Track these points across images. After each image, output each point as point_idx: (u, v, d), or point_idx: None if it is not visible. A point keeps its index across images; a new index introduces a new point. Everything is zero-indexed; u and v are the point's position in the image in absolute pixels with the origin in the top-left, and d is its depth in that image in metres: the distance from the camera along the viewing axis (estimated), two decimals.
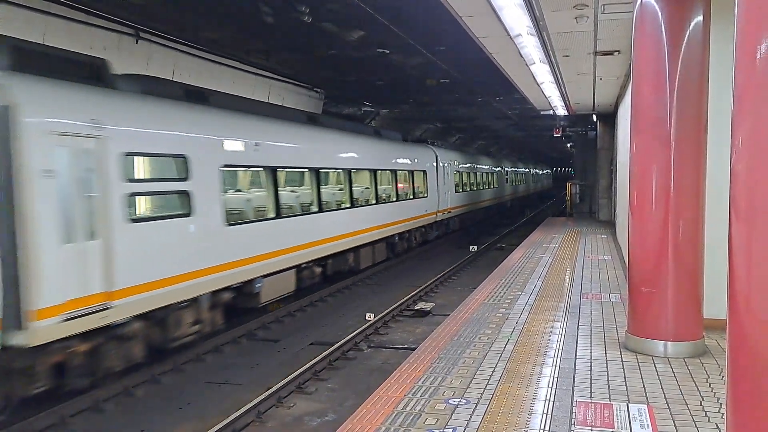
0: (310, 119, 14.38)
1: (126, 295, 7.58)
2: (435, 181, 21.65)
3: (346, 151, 15.11)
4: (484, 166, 31.34)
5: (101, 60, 8.74)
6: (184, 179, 8.89)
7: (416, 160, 20.22)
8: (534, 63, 11.14)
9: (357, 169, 15.72)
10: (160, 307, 8.28)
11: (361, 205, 15.63)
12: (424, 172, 20.83)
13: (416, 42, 13.78)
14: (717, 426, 4.53)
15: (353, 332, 10.51)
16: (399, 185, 18.40)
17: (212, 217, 9.42)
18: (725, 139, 2.19)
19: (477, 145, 45.70)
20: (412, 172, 19.64)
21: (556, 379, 5.56)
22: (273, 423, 7.24)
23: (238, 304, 10.42)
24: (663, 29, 5.99)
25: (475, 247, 21.23)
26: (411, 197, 19.44)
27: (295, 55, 15.49)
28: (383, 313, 11.86)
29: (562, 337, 7.00)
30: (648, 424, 4.56)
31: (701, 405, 4.95)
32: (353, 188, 15.19)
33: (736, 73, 2.03)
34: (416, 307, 12.73)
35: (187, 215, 8.85)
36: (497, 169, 35.45)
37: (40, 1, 9.86)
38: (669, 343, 6.21)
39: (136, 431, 7.15)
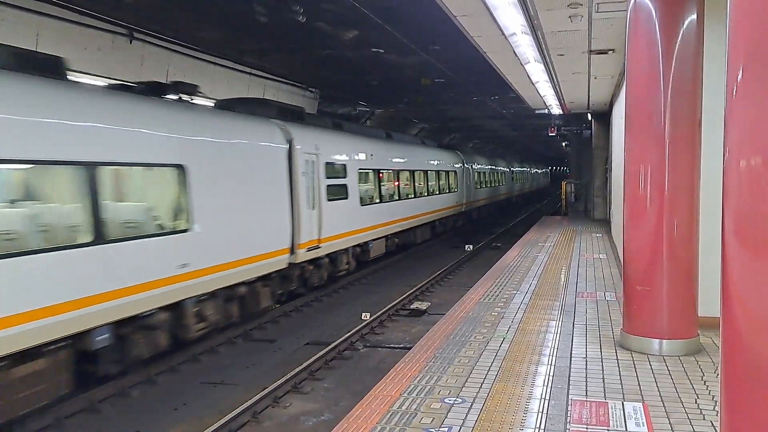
0: (387, 135, 20.91)
1: (325, 241, 13.17)
2: (461, 179, 26.86)
3: (410, 157, 20.56)
4: (495, 167, 36.74)
5: (301, 108, 14.82)
6: (344, 177, 14.74)
7: (450, 163, 25.49)
8: (528, 62, 11.15)
9: (417, 170, 21.10)
10: (336, 251, 14.04)
11: (420, 197, 20.88)
12: (455, 172, 25.99)
13: (411, 41, 13.79)
14: (712, 424, 4.54)
15: (349, 332, 10.50)
16: (440, 182, 23.64)
17: (354, 201, 15.16)
18: (719, 138, 2.19)
19: (473, 144, 45.82)
20: (447, 172, 24.81)
21: (551, 378, 5.56)
22: (269, 423, 7.23)
23: (359, 258, 15.96)
24: (657, 28, 6.00)
25: (471, 246, 21.25)
26: (447, 191, 24.62)
27: (290, 54, 15.48)
28: (379, 313, 11.86)
29: (558, 335, 7.01)
30: (643, 422, 4.57)
31: (696, 403, 4.97)
32: (415, 184, 20.66)
33: (729, 71, 2.03)
34: (412, 307, 12.74)
35: (345, 198, 14.56)
36: (506, 169, 40.70)
37: (33, 2, 9.84)
38: (664, 341, 6.23)
39: None
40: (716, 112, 2.21)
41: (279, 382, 8.02)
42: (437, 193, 22.96)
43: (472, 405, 4.95)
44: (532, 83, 13.91)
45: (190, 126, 9.26)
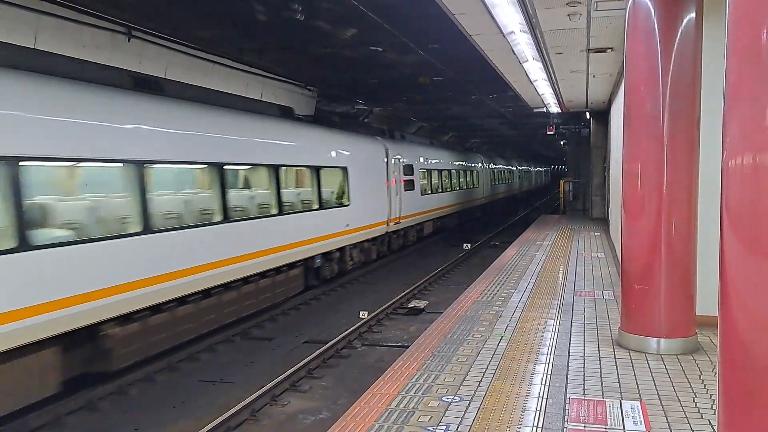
0: (430, 143, 26.70)
1: (403, 219, 18.64)
2: (482, 176, 32.75)
3: (447, 158, 25.91)
4: (506, 167, 42.96)
5: (388, 128, 21.54)
6: (412, 175, 20.13)
7: (473, 163, 31.25)
8: (527, 60, 11.15)
9: (453, 169, 26.38)
10: (406, 227, 19.46)
11: (454, 190, 26.19)
12: (478, 171, 31.88)
13: (409, 40, 13.77)
14: (710, 422, 4.54)
15: (347, 330, 10.50)
16: (468, 179, 28.99)
17: (417, 192, 20.62)
18: (718, 137, 2.19)
19: (471, 143, 45.89)
20: (473, 171, 30.69)
21: (549, 376, 5.57)
22: (267, 421, 7.23)
23: (418, 234, 21.56)
24: (655, 26, 6.00)
25: (469, 245, 21.26)
26: (473, 187, 30.19)
27: (288, 53, 15.46)
28: (377, 311, 11.87)
29: (556, 334, 7.01)
30: (641, 421, 4.58)
31: (694, 402, 4.97)
32: (452, 180, 26.07)
33: (728, 70, 2.03)
34: (410, 305, 12.75)
35: (412, 190, 20.07)
36: (513, 168, 46.55)
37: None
38: (662, 340, 6.23)
39: (130, 430, 7.13)
40: (715, 110, 2.21)
41: (277, 381, 8.02)
42: (467, 188, 28.82)
43: (470, 403, 4.95)
44: (531, 82, 13.90)
45: (346, 143, 15.54)
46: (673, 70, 5.96)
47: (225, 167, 9.99)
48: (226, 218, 9.84)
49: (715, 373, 2.38)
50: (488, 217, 34.10)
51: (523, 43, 9.67)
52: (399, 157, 18.97)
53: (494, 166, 37.53)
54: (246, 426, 7.08)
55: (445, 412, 4.78)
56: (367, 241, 16.32)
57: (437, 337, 6.98)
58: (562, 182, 29.04)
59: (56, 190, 7.72)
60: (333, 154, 14.40)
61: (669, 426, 4.51)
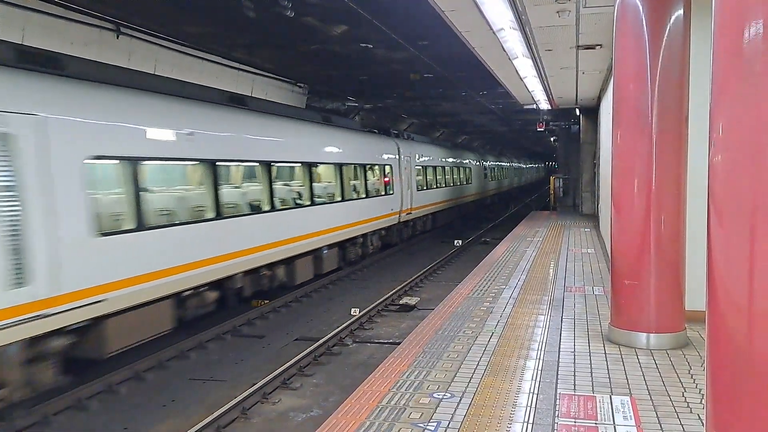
0: (431, 141, 28.52)
1: (415, 210, 21.16)
2: (476, 173, 35.02)
3: (446, 156, 27.68)
4: (506, 164, 48.55)
5: (405, 131, 24.90)
6: (421, 170, 23.08)
7: (469, 160, 33.30)
8: (517, 57, 11.16)
9: (451, 167, 28.42)
10: (416, 218, 21.78)
11: (453, 186, 28.24)
12: (471, 168, 33.94)
13: (399, 36, 13.76)
14: (699, 417, 4.57)
15: (338, 327, 10.50)
16: (463, 175, 30.97)
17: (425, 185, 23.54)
18: (705, 133, 2.20)
19: (461, 140, 46.03)
20: (470, 168, 33.22)
21: (539, 372, 5.59)
22: (258, 419, 7.22)
23: (426, 225, 23.78)
24: (644, 23, 6.02)
25: (460, 242, 21.29)
26: (467, 183, 31.80)
27: (278, 50, 15.41)
28: (368, 308, 11.86)
29: (546, 330, 7.04)
30: (631, 416, 4.60)
31: (683, 396, 5.00)
32: (453, 176, 28.43)
33: (714, 67, 2.04)
34: (401, 302, 12.75)
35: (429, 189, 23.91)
36: (509, 164, 51.03)
37: None
38: (651, 335, 6.26)
39: (119, 429, 7.10)
40: (702, 107, 2.23)
41: (268, 378, 8.01)
42: (462, 184, 30.52)
43: (460, 400, 4.96)
44: (521, 78, 13.92)
45: (385, 145, 19.30)
46: (661, 66, 5.99)
47: (314, 167, 14.11)
48: (313, 203, 13.49)
49: (704, 368, 2.39)
50: (481, 213, 35.02)
51: (512, 40, 9.68)
52: (409, 156, 21.27)
53: (493, 164, 41.69)
54: (236, 424, 7.07)
55: (436, 408, 4.79)
56: (383, 229, 18.56)
57: (428, 333, 6.98)
58: (552, 178, 29.12)
59: (165, 182, 10.24)
60: (381, 155, 18.67)
61: (659, 420, 4.53)
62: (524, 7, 7.89)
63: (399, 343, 6.92)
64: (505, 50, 10.43)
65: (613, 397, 4.99)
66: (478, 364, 5.83)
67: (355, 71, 18.48)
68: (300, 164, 13.47)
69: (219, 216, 9.86)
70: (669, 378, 5.43)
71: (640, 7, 6.02)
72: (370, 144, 18.08)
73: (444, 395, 5.06)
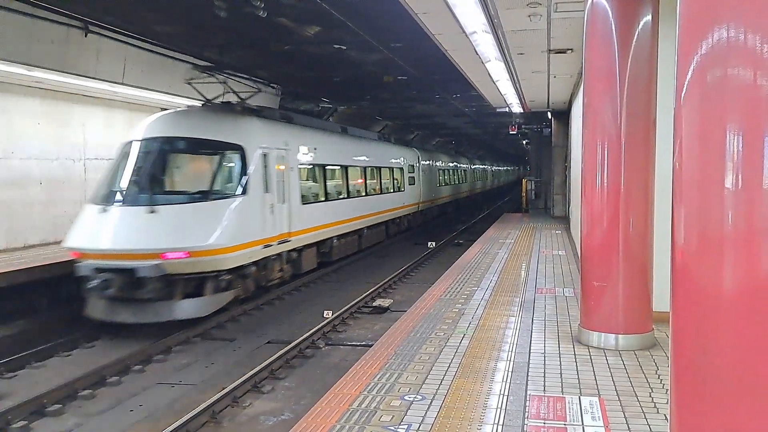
0: (433, 147, 37.98)
1: (422, 204, 27.11)
2: (470, 174, 43.15)
3: (443, 160, 33.59)
4: (489, 167, 56.28)
5: (410, 139, 34.65)
6: (429, 172, 29.14)
7: (464, 163, 40.79)
8: (489, 60, 11.23)
9: (449, 168, 35.21)
10: (425, 208, 28.09)
11: (450, 184, 34.87)
12: (465, 170, 41.25)
13: (373, 38, 13.76)
14: (665, 416, 4.63)
15: (310, 330, 10.44)
16: (458, 176, 37.96)
17: (430, 184, 29.01)
18: (671, 136, 2.22)
19: (435, 142, 46.27)
20: (464, 170, 40.64)
21: (510, 374, 5.61)
22: (228, 423, 7.14)
23: (432, 214, 30.58)
24: (613, 28, 6.09)
25: (434, 243, 21.35)
26: (461, 182, 38.86)
27: (251, 50, 15.33)
28: (341, 311, 11.82)
29: (517, 331, 7.08)
30: (599, 416, 4.64)
31: (650, 396, 5.06)
32: (453, 176, 35.87)
33: (678, 71, 2.06)
34: (374, 304, 12.73)
35: (429, 182, 29.73)
36: (492, 168, 58.85)
37: None
38: (620, 336, 6.33)
39: None
40: (669, 111, 2.25)
41: (238, 382, 7.92)
42: (458, 183, 37.23)
43: (431, 402, 4.96)
44: (493, 82, 14.01)
45: (412, 153, 26.19)
46: (630, 71, 6.06)
47: (381, 168, 21.54)
48: (380, 192, 21.29)
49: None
50: (457, 214, 36.79)
51: (485, 44, 9.73)
52: (420, 161, 27.32)
53: (480, 167, 49.01)
54: (206, 429, 6.98)
55: (407, 411, 4.78)
56: (410, 214, 25.39)
57: (400, 335, 6.98)
58: (524, 181, 29.37)
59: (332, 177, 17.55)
60: (398, 160, 24.29)
61: (626, 421, 4.58)
62: (496, 11, 7.94)
63: (372, 345, 6.90)
64: (477, 53, 10.48)
65: (582, 398, 5.03)
66: (449, 366, 5.84)
67: (328, 72, 18.44)
68: (376, 168, 21.03)
69: (347, 197, 17.70)
70: (637, 378, 5.49)
71: (610, 13, 6.09)
72: (405, 153, 25.55)
73: (415, 397, 5.05)
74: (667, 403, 4.84)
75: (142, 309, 10.31)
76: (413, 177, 25.71)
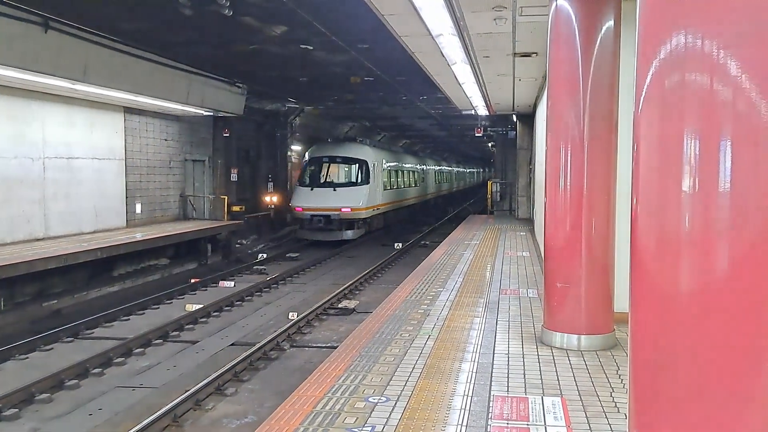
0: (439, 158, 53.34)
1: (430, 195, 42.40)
2: (439, 176, 47.78)
3: (442, 165, 48.30)
4: (462, 169, 64.06)
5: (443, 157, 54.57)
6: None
7: (444, 166, 49.72)
8: (455, 63, 11.29)
9: (445, 171, 48.86)
10: (432, 201, 42.62)
11: (440, 183, 46.21)
12: (445, 172, 50.19)
13: (340, 39, 13.73)
14: (626, 416, 4.69)
15: (275, 332, 10.37)
16: (441, 178, 47.16)
17: (447, 183, 50.74)
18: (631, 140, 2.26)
19: (402, 143, 46.44)
20: (446, 173, 51.02)
21: (474, 374, 5.64)
22: (190, 427, 7.05)
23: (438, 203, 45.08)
24: (576, 32, 6.17)
25: (400, 245, 21.40)
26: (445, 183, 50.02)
27: (216, 49, 15.16)
28: (306, 312, 11.77)
29: (482, 332, 7.12)
30: (561, 416, 4.69)
31: (611, 396, 5.13)
32: (438, 180, 45.33)
33: (637, 77, 2.10)
34: (340, 306, 12.71)
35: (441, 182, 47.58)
36: (462, 169, 65.27)
37: None
38: (582, 336, 6.41)
39: None
40: (631, 115, 2.29)
41: (201, 384, 7.83)
42: (441, 183, 46.15)
43: (396, 403, 4.95)
44: (459, 84, 14.10)
45: (431, 159, 45.20)
46: (593, 75, 6.15)
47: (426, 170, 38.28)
48: (421, 186, 36.14)
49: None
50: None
51: (451, 46, 9.79)
52: (431, 165, 40.18)
53: (457, 170, 59.97)
54: None
55: (371, 413, 4.77)
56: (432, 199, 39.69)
57: (365, 337, 6.96)
58: (489, 183, 29.59)
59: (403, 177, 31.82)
60: (422, 166, 36.77)
61: (588, 420, 4.64)
62: (462, 14, 7.99)
63: (337, 347, 6.88)
64: (444, 56, 10.54)
65: (544, 398, 5.07)
66: (414, 367, 5.85)
67: (295, 72, 18.35)
68: (424, 170, 36.68)
69: (406, 187, 31.10)
70: (598, 378, 5.56)
71: (573, 18, 6.17)
72: (426, 161, 39.21)
73: (379, 399, 5.04)
74: (627, 402, 4.92)
75: (329, 234, 22.04)
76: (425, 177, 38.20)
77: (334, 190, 22.84)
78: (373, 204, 24.04)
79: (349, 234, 22.36)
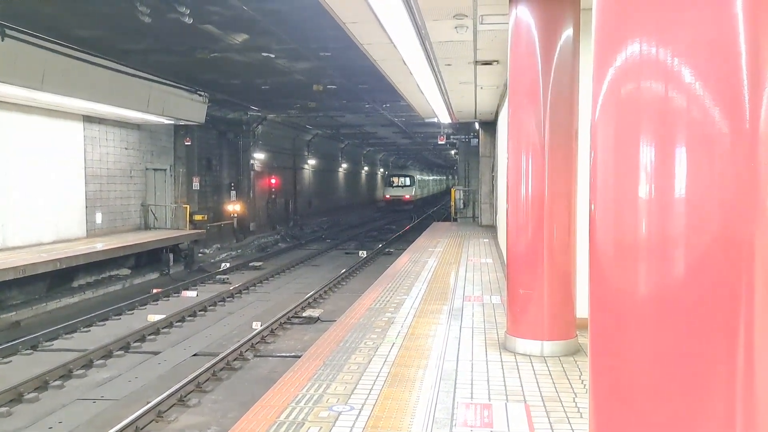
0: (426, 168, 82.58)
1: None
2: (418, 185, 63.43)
3: (426, 175, 76.18)
4: (428, 177, 74.83)
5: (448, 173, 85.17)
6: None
7: (418, 179, 64.82)
8: (417, 71, 11.34)
9: (429, 179, 77.86)
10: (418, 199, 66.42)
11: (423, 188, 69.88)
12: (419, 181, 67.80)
13: (302, 47, 13.71)
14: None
15: (239, 341, 10.25)
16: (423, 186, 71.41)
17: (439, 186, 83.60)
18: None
19: (365, 151, 46.63)
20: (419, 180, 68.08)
21: (438, 382, 5.65)
22: None
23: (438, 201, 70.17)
24: (536, 41, 6.26)
25: (365, 252, 21.38)
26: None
27: (177, 56, 15.00)
28: (270, 321, 11.67)
29: (446, 339, 7.14)
30: (525, 422, 4.72)
31: (574, 401, 5.19)
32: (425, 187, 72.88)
33: (594, 84, 2.13)
34: (304, 314, 12.63)
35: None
36: (426, 177, 73.56)
37: None
38: (545, 342, 6.46)
39: None
40: (589, 122, 2.34)
41: (163, 396, 7.69)
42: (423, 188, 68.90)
43: (360, 412, 4.93)
44: (421, 92, 14.17)
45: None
46: (553, 83, 6.24)
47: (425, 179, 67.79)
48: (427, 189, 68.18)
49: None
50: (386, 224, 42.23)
51: (413, 54, 9.83)
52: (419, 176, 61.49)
53: (428, 178, 79.34)
54: None
55: (335, 422, 4.74)
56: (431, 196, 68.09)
57: (330, 346, 6.93)
58: (453, 190, 29.79)
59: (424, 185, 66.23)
60: (423, 177, 66.10)
61: (551, 426, 4.68)
62: (423, 22, 8.03)
63: (301, 356, 6.82)
64: (405, 64, 10.58)
65: (508, 404, 5.10)
66: (378, 376, 5.83)
67: (257, 80, 18.26)
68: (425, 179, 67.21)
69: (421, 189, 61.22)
70: (561, 384, 5.62)
71: (533, 26, 6.25)
72: (428, 174, 73.07)
73: (344, 408, 5.02)
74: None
75: (402, 209, 50.19)
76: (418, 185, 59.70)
77: (402, 188, 53.77)
78: (417, 196, 55.90)
79: (406, 209, 49.85)
